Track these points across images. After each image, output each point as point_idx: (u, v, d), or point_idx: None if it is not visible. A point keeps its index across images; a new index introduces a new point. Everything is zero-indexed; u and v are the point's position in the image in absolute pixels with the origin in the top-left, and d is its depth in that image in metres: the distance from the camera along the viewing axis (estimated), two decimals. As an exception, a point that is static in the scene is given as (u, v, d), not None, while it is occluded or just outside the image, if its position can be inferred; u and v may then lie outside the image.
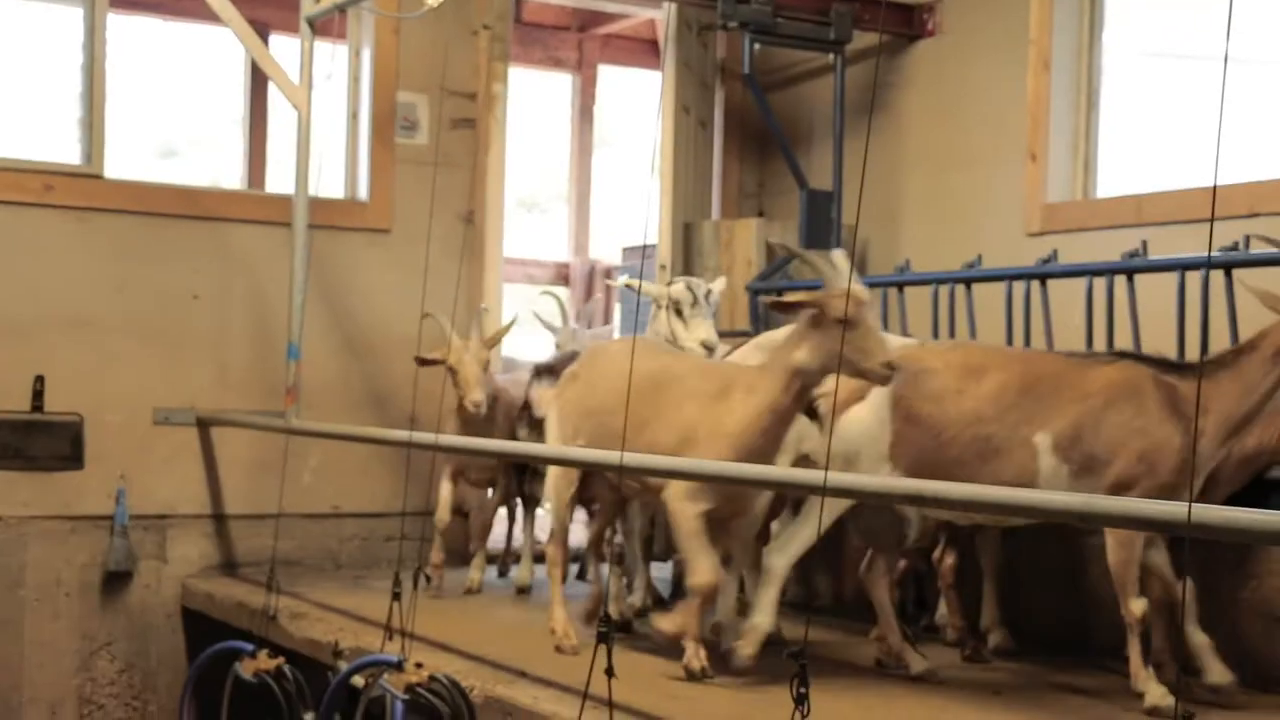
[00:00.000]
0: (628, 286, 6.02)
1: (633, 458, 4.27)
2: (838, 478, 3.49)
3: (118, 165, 7.25)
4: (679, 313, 5.54)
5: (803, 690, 3.25)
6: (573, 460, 5.09)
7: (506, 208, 8.20)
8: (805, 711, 3.24)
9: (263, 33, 8.40)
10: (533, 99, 10.58)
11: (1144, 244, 5.44)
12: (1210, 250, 5.31)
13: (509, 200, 11.72)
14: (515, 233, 10.80)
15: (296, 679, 5.63)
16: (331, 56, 7.34)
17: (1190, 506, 2.49)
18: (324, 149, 7.32)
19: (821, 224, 7.20)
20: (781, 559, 4.86)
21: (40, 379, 6.89)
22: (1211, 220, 2.57)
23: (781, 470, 4.51)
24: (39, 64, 8.13)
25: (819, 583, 6.53)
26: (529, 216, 12.51)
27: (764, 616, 4.86)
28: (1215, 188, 2.49)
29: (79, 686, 6.99)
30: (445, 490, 6.60)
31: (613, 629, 3.94)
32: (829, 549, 6.38)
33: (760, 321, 7.05)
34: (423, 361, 6.20)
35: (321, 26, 6.95)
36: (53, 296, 6.97)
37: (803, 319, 4.53)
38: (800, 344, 4.53)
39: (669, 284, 5.75)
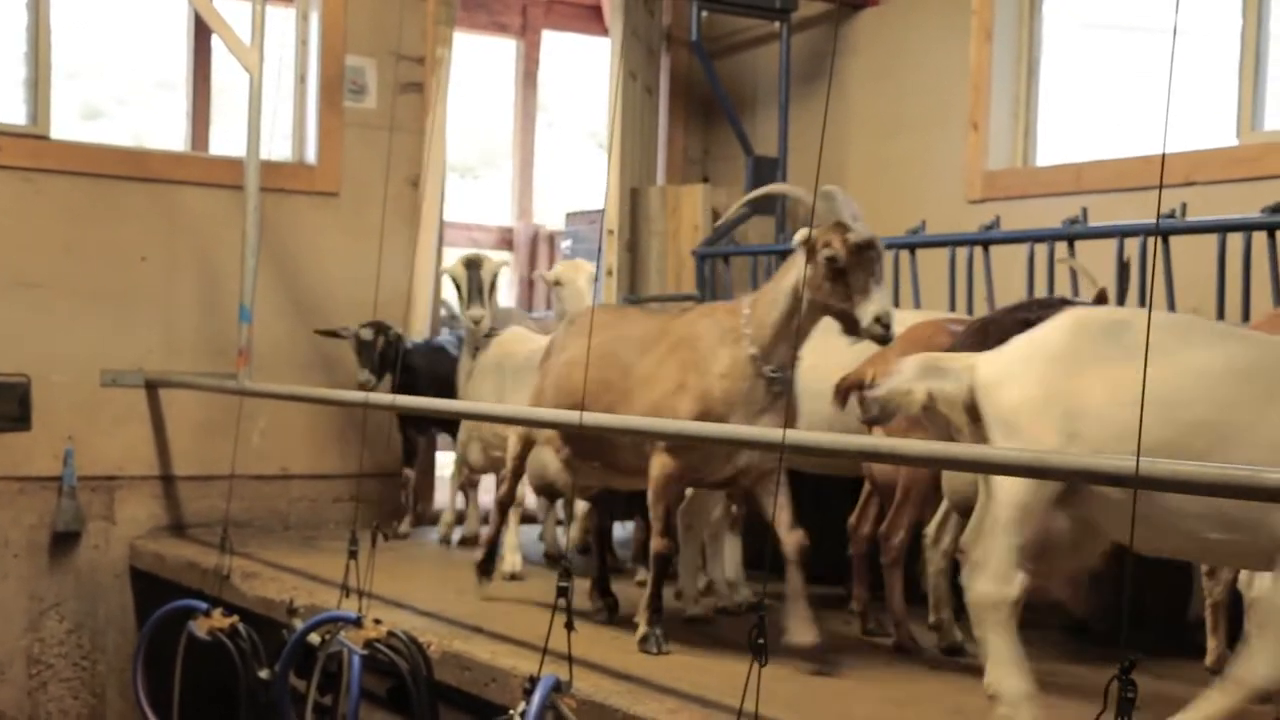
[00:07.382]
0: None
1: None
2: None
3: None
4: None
5: (761, 640, 3.35)
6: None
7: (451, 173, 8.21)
8: (763, 661, 3.34)
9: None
10: (477, 64, 10.58)
11: (1084, 211, 5.58)
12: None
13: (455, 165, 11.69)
14: (460, 197, 10.82)
15: (251, 637, 5.69)
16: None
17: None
18: (272, 111, 7.30)
19: (767, 190, 7.27)
20: None
21: (-14, 340, 6.88)
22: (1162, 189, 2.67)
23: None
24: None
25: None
26: (473, 182, 12.53)
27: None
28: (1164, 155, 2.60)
29: (27, 647, 7.00)
30: None
31: (572, 584, 4.07)
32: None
33: (707, 286, 7.15)
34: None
35: (270, -11, 6.94)
36: (-1, 257, 6.95)
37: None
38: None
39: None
